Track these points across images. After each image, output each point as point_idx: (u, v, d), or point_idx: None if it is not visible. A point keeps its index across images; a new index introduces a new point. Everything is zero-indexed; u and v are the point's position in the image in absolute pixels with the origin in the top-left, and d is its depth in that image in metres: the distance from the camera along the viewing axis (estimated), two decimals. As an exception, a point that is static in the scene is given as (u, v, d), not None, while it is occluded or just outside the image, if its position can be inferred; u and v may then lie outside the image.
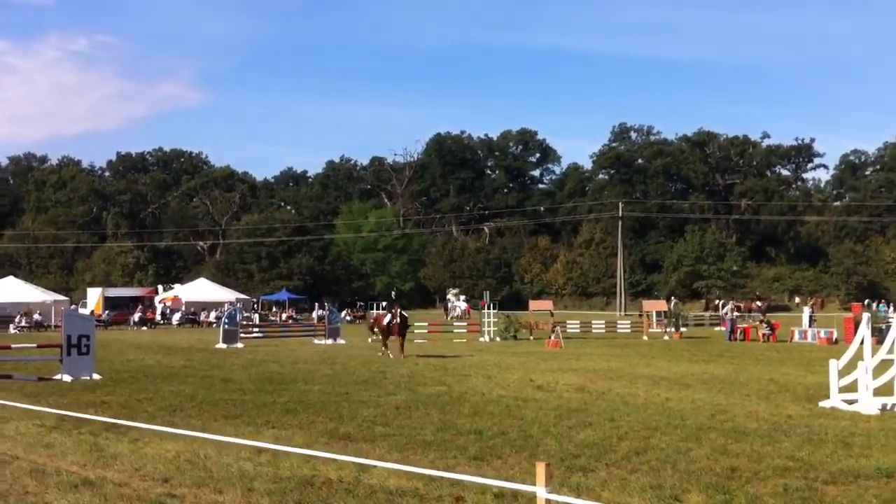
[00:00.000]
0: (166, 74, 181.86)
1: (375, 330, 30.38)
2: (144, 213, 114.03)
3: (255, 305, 71.35)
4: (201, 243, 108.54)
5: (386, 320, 28.19)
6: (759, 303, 64.38)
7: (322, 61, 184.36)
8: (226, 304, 54.97)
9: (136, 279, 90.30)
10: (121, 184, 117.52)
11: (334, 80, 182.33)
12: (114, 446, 10.24)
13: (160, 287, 72.37)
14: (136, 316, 56.88)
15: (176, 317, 59.32)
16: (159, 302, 64.76)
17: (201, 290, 68.47)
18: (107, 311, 58.12)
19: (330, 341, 35.76)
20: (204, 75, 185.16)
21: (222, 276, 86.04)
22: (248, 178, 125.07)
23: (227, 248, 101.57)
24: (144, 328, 54.66)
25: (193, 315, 60.59)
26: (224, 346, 32.35)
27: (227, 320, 34.82)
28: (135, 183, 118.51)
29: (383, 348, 27.63)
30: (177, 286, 72.67)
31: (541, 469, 4.92)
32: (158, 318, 59.95)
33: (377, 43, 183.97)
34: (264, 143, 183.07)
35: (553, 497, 5.04)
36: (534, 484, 5.03)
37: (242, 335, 35.64)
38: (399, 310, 28.03)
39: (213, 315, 58.15)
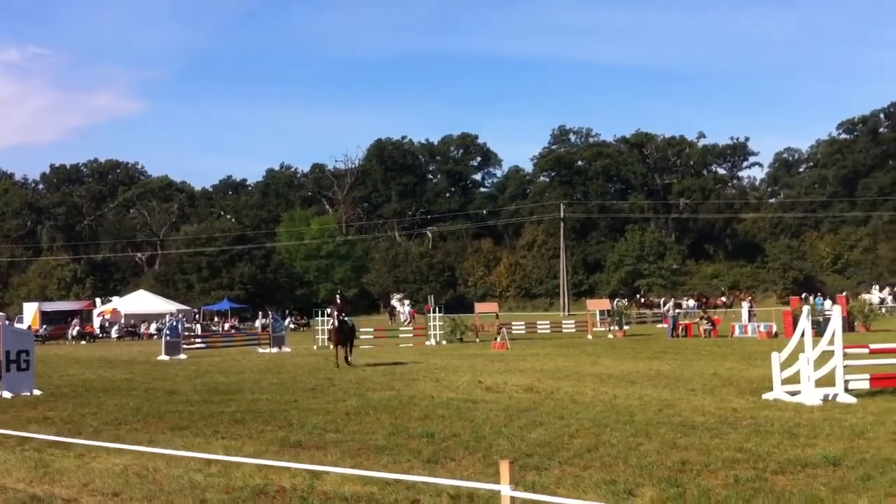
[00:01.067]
0: (102, 85, 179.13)
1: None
2: (80, 225, 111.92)
3: (197, 316, 70.42)
4: (139, 255, 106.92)
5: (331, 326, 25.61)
6: (723, 298, 65.48)
7: (260, 69, 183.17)
8: (167, 316, 54.22)
9: (73, 293, 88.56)
10: (55, 196, 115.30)
11: (272, 88, 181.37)
12: (60, 462, 10.01)
13: (98, 300, 71.07)
14: (74, 330, 55.79)
15: (115, 330, 58.31)
16: (98, 315, 63.60)
17: (141, 302, 67.46)
18: (44, 326, 56.92)
19: (275, 350, 35.42)
20: (140, 85, 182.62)
21: (162, 288, 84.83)
22: (186, 187, 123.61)
23: (167, 259, 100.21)
24: (83, 342, 53.61)
25: (133, 327, 59.65)
26: (167, 357, 31.84)
27: (168, 331, 34.30)
28: (70, 195, 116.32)
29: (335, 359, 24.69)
30: (115, 299, 71.49)
31: (504, 467, 4.93)
32: (97, 331, 58.91)
33: (315, 50, 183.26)
34: (203, 152, 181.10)
35: (518, 494, 5.04)
36: (491, 483, 5.02)
37: (185, 346, 35.13)
38: (337, 313, 25.11)
39: (153, 327, 57.28)
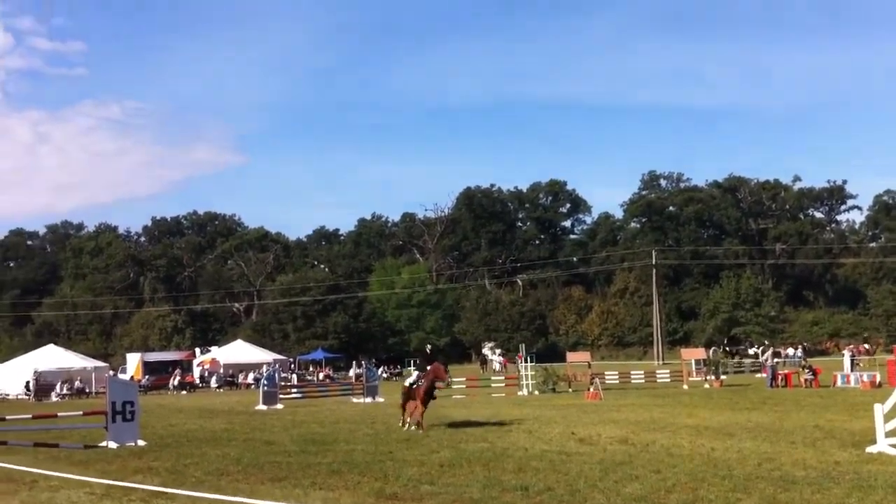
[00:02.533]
0: (200, 138, 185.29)
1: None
2: (181, 276, 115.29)
3: (292, 365, 71.57)
4: (237, 305, 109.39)
5: (408, 382, 21.97)
6: (866, 345, 63.40)
7: (352, 119, 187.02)
8: (264, 366, 55.24)
9: (174, 343, 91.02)
10: (156, 248, 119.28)
11: (364, 138, 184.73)
12: (165, 512, 10.37)
13: (198, 350, 72.82)
14: (175, 380, 57.28)
15: (214, 380, 59.62)
16: (197, 365, 65.15)
17: (238, 351, 68.86)
18: (146, 376, 58.57)
19: (368, 399, 35.75)
20: (237, 138, 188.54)
21: (258, 337, 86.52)
22: (281, 238, 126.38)
23: (263, 309, 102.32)
24: (184, 392, 55.02)
25: (231, 377, 60.90)
26: (264, 407, 32.48)
27: (266, 381, 34.99)
28: (170, 247, 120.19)
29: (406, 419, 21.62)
30: (214, 349, 73.10)
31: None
32: (197, 381, 60.31)
33: (405, 99, 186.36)
34: (297, 202, 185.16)
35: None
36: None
37: (281, 396, 35.75)
38: (438, 366, 21.42)
39: (251, 377, 58.39)
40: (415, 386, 21.27)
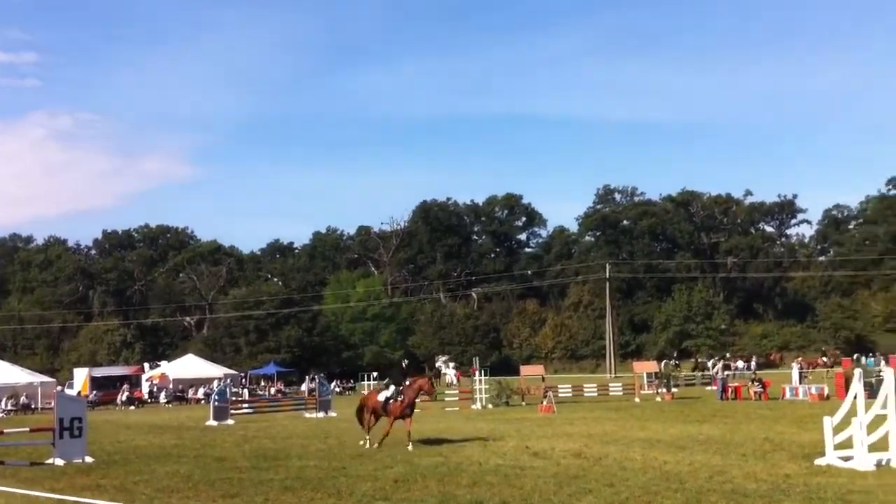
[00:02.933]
0: (152, 150, 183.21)
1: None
2: (131, 290, 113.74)
3: (244, 380, 70.84)
4: (188, 319, 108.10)
5: (383, 396, 20.42)
6: (824, 358, 64.13)
7: (305, 133, 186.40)
8: (214, 381, 54.64)
9: (123, 357, 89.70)
10: (107, 262, 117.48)
11: (318, 152, 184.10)
12: (112, 531, 10.16)
13: (147, 365, 71.80)
14: (124, 395, 56.35)
15: (163, 395, 58.79)
16: (146, 380, 64.20)
17: (189, 366, 68.04)
18: (94, 392, 57.57)
19: (321, 414, 35.50)
20: (190, 150, 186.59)
21: (210, 352, 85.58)
22: (234, 251, 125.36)
23: (215, 323, 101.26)
24: (132, 407, 54.16)
25: (181, 392, 60.11)
26: (215, 423, 32.08)
27: (216, 396, 34.58)
28: (121, 260, 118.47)
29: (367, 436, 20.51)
30: (164, 363, 72.13)
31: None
32: (146, 396, 59.45)
33: (360, 113, 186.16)
34: (251, 216, 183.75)
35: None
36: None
37: (232, 411, 35.35)
38: (425, 380, 20.74)
39: (201, 392, 57.68)
40: (392, 400, 19.99)
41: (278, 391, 66.43)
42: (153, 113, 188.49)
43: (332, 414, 35.66)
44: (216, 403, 33.78)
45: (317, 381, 41.70)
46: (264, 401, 51.64)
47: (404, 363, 23.44)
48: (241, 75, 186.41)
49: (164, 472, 16.16)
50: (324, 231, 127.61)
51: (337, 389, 61.79)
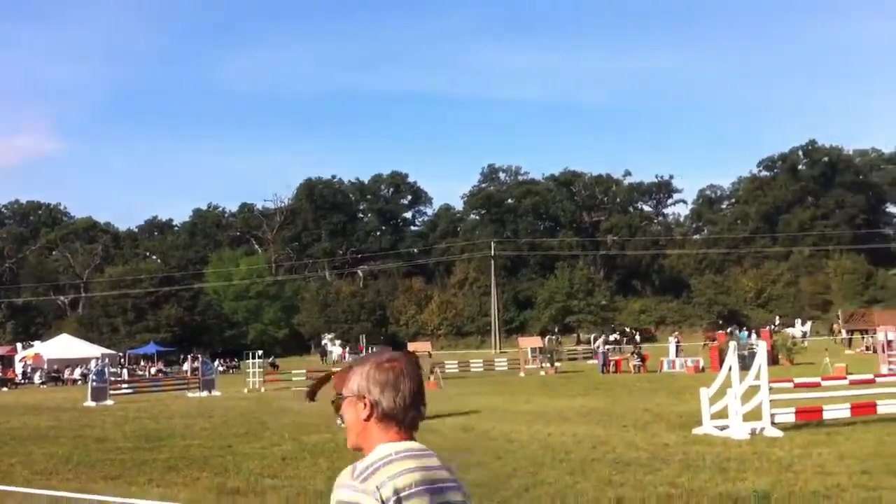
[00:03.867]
0: (21, 125, 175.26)
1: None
2: (1, 268, 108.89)
3: (123, 360, 68.87)
4: (62, 298, 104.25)
5: None
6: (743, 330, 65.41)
7: (185, 108, 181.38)
8: (92, 361, 52.95)
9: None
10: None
11: (198, 127, 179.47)
12: (-13, 516, 9.76)
13: (19, 345, 69.06)
14: (-5, 376, 54.10)
15: (38, 375, 56.69)
16: (19, 360, 61.77)
17: (64, 346, 65.71)
18: (-37, 373, 55.10)
19: (204, 393, 34.89)
20: (61, 125, 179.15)
21: (86, 332, 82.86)
22: (111, 228, 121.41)
23: (90, 302, 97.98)
24: (5, 388, 51.94)
25: (57, 373, 58.04)
26: (93, 403, 31.12)
27: (94, 377, 33.54)
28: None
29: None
30: (37, 343, 69.52)
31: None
32: (19, 377, 57.21)
33: (242, 88, 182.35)
34: (127, 192, 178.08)
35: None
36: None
37: (112, 391, 34.35)
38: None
39: (77, 372, 55.87)
40: None
41: (159, 371, 64.85)
42: (19, 86, 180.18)
43: (216, 393, 35.09)
44: (94, 384, 32.77)
45: (199, 360, 40.92)
46: (145, 381, 50.33)
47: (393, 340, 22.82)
48: (118, 49, 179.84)
49: (42, 453, 15.62)
50: (204, 208, 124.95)
51: (221, 368, 60.84)
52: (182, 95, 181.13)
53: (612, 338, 64.72)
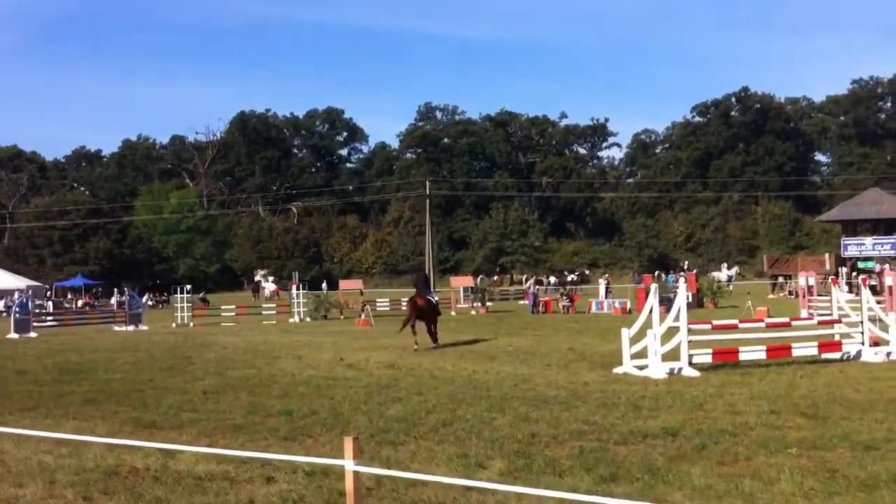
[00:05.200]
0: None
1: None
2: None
3: (49, 292, 67.55)
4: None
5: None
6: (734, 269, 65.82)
7: (115, 36, 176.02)
8: (16, 292, 51.76)
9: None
10: None
11: (128, 56, 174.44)
12: None
13: (-59, 276, 67.22)
14: (-86, 307, 52.72)
15: (-40, 307, 55.40)
16: (-60, 292, 60.19)
17: (-12, 277, 64.17)
18: None
19: (131, 328, 34.48)
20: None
21: (11, 263, 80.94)
22: (37, 157, 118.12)
23: (16, 233, 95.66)
24: (-76, 320, 50.78)
25: (-20, 304, 56.77)
26: (16, 336, 30.58)
27: (17, 309, 32.91)
28: None
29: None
30: (-40, 274, 67.76)
31: (348, 443, 5.05)
32: (-60, 309, 55.83)
33: (174, 16, 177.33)
34: (54, 120, 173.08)
35: (361, 469, 5.18)
36: (342, 458, 5.14)
37: (35, 324, 33.77)
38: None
39: (1, 304, 54.73)
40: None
41: (86, 304, 63.85)
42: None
43: (144, 327, 34.70)
44: (17, 315, 32.17)
45: (127, 293, 40.36)
46: (71, 314, 49.51)
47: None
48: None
49: (-44, 386, 15.33)
50: (134, 139, 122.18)
51: (150, 303, 60.16)
52: (114, 22, 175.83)
53: (551, 280, 65.29)
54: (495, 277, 68.19)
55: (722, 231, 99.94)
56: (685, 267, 60.39)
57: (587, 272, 74.14)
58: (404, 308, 26.38)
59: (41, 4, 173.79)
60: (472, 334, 26.48)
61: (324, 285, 45.45)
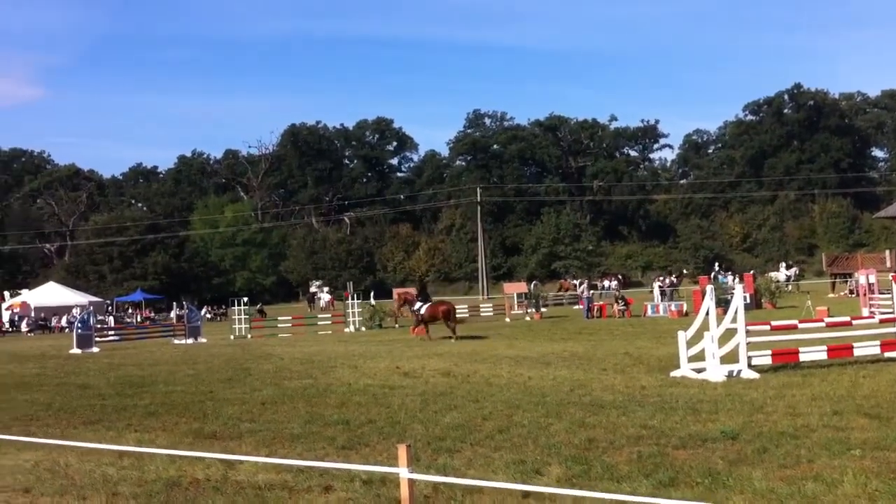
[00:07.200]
0: (1, 70, 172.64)
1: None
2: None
3: (109, 308, 68.88)
4: (48, 246, 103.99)
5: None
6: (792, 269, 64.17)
7: (168, 54, 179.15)
8: (77, 308, 52.92)
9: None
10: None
11: (181, 73, 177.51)
12: (-34, 461, 9.83)
13: (6, 293, 68.95)
14: (-18, 325, 54.13)
15: (25, 323, 56.72)
16: (6, 309, 61.76)
17: (50, 294, 65.66)
18: (-51, 322, 55.09)
19: (191, 341, 34.99)
20: (41, 70, 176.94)
21: (73, 279, 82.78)
22: (95, 175, 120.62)
23: (77, 250, 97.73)
24: (-9, 337, 52.10)
25: (44, 321, 58.09)
26: (79, 351, 31.19)
27: (80, 324, 33.57)
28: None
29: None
30: (24, 291, 69.45)
31: (402, 451, 5.07)
32: (6, 325, 57.27)
33: (226, 33, 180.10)
34: (111, 139, 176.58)
35: (416, 476, 5.20)
36: (397, 466, 5.16)
37: (98, 339, 34.42)
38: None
39: (64, 320, 55.94)
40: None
41: (146, 318, 64.98)
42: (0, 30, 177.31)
43: (203, 340, 35.20)
44: (79, 331, 32.80)
45: (186, 307, 40.96)
46: (131, 328, 50.41)
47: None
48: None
49: (23, 400, 15.69)
50: (189, 155, 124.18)
51: (208, 316, 61.04)
52: (166, 40, 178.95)
53: (613, 284, 64.37)
54: (574, 280, 67.41)
55: (779, 230, 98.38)
56: (717, 269, 59.13)
57: (675, 277, 70.76)
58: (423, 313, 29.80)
59: (94, 23, 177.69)
60: (527, 340, 26.39)
61: (371, 295, 45.72)
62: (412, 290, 33.63)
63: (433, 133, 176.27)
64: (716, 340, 14.83)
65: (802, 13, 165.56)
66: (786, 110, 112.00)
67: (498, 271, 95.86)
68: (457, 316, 30.81)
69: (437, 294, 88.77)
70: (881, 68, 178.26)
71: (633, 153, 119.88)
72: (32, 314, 58.96)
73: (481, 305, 52.18)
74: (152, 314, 69.07)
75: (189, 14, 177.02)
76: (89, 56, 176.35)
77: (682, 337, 15.39)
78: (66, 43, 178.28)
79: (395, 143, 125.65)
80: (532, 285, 53.02)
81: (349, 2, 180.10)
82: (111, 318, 60.73)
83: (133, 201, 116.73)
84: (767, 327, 16.66)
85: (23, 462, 9.51)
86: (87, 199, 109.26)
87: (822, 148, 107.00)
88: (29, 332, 55.10)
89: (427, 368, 18.44)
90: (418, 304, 30.43)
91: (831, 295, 49.72)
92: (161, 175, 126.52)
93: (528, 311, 44.55)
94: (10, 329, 56.65)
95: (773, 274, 59.65)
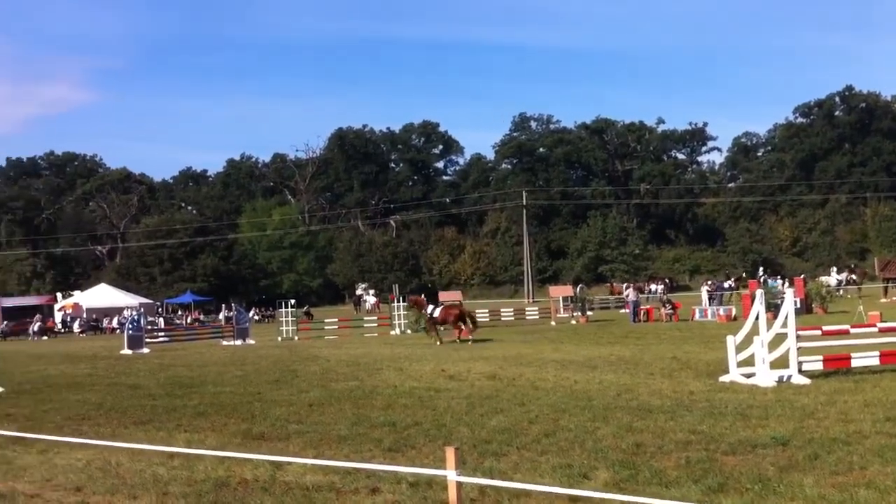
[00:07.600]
0: (54, 75, 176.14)
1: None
2: (39, 219, 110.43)
3: (160, 309, 69.91)
4: (100, 248, 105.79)
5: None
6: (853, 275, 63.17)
7: (217, 58, 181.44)
8: (128, 310, 53.76)
9: (34, 287, 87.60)
10: (13, 190, 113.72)
11: (231, 77, 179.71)
12: (22, 458, 10.03)
13: (59, 295, 70.31)
14: (36, 325, 55.14)
15: (77, 325, 57.77)
16: (59, 310, 62.96)
17: (102, 295, 66.86)
18: (5, 322, 56.24)
19: (239, 342, 35.35)
20: (94, 75, 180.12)
21: (123, 281, 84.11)
22: (145, 179, 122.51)
23: (127, 252, 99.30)
24: (45, 337, 53.07)
25: (95, 322, 59.13)
26: (129, 352, 31.68)
27: (131, 325, 34.10)
28: (27, 189, 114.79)
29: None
30: (76, 293, 70.76)
31: (450, 453, 5.08)
32: (59, 326, 58.34)
33: (273, 38, 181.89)
34: (161, 143, 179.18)
35: (463, 479, 5.20)
36: (445, 469, 5.17)
37: (148, 340, 34.95)
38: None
39: (115, 321, 56.85)
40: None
41: (195, 320, 65.83)
42: (51, 35, 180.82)
43: (251, 342, 35.55)
44: (130, 332, 33.32)
45: (234, 309, 41.42)
46: (181, 329, 51.10)
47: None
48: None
49: (76, 400, 15.96)
50: (238, 158, 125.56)
51: (256, 317, 61.63)
52: (214, 45, 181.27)
53: (659, 287, 63.80)
54: (624, 284, 66.84)
55: (830, 234, 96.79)
56: (763, 273, 58.24)
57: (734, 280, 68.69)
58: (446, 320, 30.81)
59: (145, 29, 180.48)
60: (573, 344, 26.27)
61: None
62: (422, 298, 35.37)
63: (479, 136, 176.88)
64: (766, 345, 14.63)
65: (854, 14, 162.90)
66: (837, 112, 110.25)
67: (543, 275, 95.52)
68: (476, 319, 32.47)
69: (483, 297, 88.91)
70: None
71: (680, 156, 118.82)
72: (84, 315, 60.03)
73: (527, 309, 52.07)
74: (201, 316, 69.94)
75: (237, 20, 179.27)
76: (140, 61, 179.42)
77: (731, 341, 15.21)
78: (118, 48, 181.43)
79: (440, 147, 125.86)
80: (578, 289, 52.76)
81: (396, 5, 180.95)
82: (161, 320, 61.63)
83: (183, 204, 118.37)
84: (818, 332, 16.41)
85: (75, 461, 9.68)
86: (137, 202, 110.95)
87: (873, 151, 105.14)
88: (81, 332, 56.09)
89: (472, 371, 18.44)
90: (431, 308, 31.54)
91: (884, 300, 48.81)
92: (210, 178, 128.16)
93: (574, 314, 44.33)
94: (63, 330, 57.71)
95: (823, 278, 58.64)
